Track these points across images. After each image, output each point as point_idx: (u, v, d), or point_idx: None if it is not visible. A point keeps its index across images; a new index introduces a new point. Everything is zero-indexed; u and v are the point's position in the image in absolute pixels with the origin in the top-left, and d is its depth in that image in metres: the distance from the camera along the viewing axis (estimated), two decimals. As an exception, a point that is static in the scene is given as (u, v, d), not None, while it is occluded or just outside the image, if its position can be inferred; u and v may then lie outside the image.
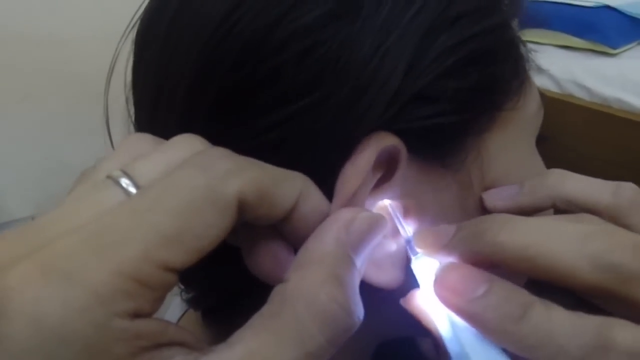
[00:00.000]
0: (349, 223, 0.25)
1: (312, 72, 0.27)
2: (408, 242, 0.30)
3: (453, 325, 0.26)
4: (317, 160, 0.28)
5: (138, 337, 0.19)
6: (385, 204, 0.30)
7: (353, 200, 0.28)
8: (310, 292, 0.22)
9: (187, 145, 0.25)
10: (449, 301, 0.26)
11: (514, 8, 0.34)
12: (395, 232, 0.30)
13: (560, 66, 1.54)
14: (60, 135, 1.58)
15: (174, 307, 0.48)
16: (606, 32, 1.50)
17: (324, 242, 0.24)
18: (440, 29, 0.29)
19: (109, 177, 0.23)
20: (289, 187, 0.25)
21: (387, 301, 0.30)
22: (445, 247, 0.28)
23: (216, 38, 0.28)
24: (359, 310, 0.23)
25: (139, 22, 0.34)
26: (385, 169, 0.30)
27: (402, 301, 0.29)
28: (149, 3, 0.34)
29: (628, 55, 1.51)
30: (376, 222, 0.27)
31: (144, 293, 0.20)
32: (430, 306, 0.27)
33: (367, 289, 0.26)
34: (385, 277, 0.30)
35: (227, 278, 0.33)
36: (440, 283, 0.27)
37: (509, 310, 0.24)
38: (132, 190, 0.23)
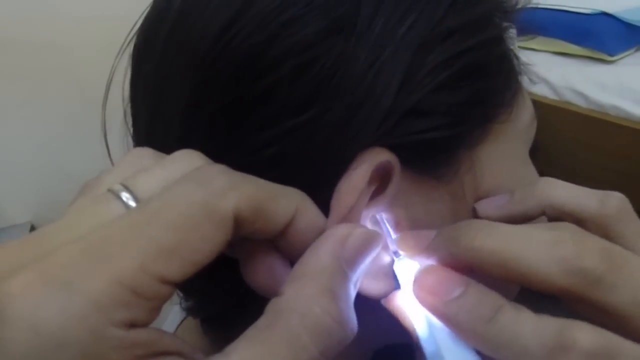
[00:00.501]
0: (345, 238, 0.26)
1: (308, 88, 0.28)
2: (394, 251, 0.30)
3: (430, 325, 0.27)
4: (313, 175, 0.29)
5: (133, 346, 0.20)
6: (376, 215, 0.31)
7: (349, 216, 0.28)
8: (304, 305, 0.23)
9: (186, 160, 0.26)
10: (426, 302, 0.27)
11: (506, 21, 0.34)
12: (387, 245, 0.31)
13: (557, 73, 1.54)
14: (60, 141, 1.58)
15: (174, 314, 0.48)
16: (603, 39, 1.51)
17: (319, 257, 0.25)
18: (433, 44, 0.29)
19: (109, 190, 0.24)
20: (285, 202, 0.26)
21: (382, 309, 0.31)
22: (425, 250, 0.29)
23: (212, 55, 0.29)
24: (353, 323, 0.24)
25: (136, 36, 0.34)
26: (379, 182, 0.30)
27: (383, 301, 0.29)
28: (145, 17, 0.34)
29: (625, 62, 1.51)
30: (372, 238, 0.27)
31: (140, 303, 0.20)
32: (409, 307, 0.28)
33: (363, 298, 0.27)
34: (379, 288, 0.30)
35: (226, 288, 0.34)
36: (418, 284, 0.27)
37: (480, 312, 0.25)
38: (132, 203, 0.24)
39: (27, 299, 0.19)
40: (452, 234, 0.28)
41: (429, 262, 0.29)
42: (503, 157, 0.35)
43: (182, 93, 0.30)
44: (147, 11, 0.34)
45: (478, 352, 0.26)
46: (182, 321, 0.46)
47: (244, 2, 0.28)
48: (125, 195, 0.24)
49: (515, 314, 0.25)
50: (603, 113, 1.43)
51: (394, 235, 0.31)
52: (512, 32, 0.35)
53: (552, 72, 1.56)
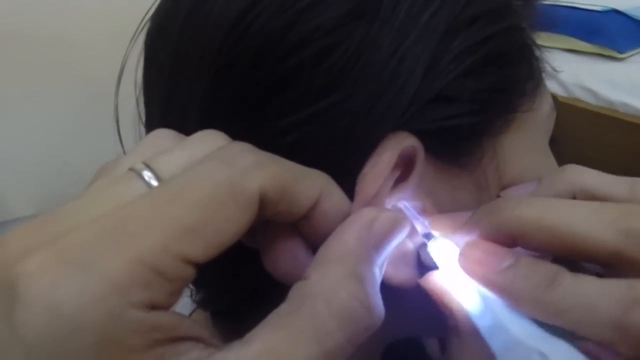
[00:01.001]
0: (371, 222, 0.25)
1: (330, 74, 0.27)
2: (425, 234, 0.29)
3: (482, 299, 0.26)
4: (336, 160, 0.28)
5: (153, 329, 0.19)
6: (401, 201, 0.30)
7: (374, 201, 0.28)
8: (330, 289, 0.22)
9: (209, 140, 0.25)
10: (476, 274, 0.26)
11: (527, 10, 0.34)
12: (411, 232, 0.30)
13: (567, 70, 1.54)
14: (64, 134, 1.58)
15: (182, 306, 0.48)
16: (613, 37, 1.50)
17: (345, 241, 0.24)
18: (457, 30, 0.29)
19: (131, 169, 0.23)
20: (311, 184, 0.25)
21: (398, 301, 0.30)
22: (463, 226, 0.28)
23: (231, 40, 0.28)
24: (380, 309, 0.23)
25: (149, 22, 0.34)
26: (402, 169, 0.30)
27: (420, 281, 0.28)
28: (159, 4, 0.34)
29: (635, 60, 1.51)
30: (398, 223, 0.26)
31: (161, 284, 0.20)
32: (452, 285, 0.27)
33: (380, 289, 0.26)
34: (401, 276, 0.30)
35: (240, 281, 0.33)
36: (466, 257, 0.27)
37: (537, 278, 0.24)
38: (154, 183, 0.23)
39: (44, 279, 0.18)
40: (492, 207, 0.27)
41: (469, 238, 0.28)
42: (525, 147, 0.35)
43: (200, 79, 0.29)
44: (154, 7, 0.34)
45: (536, 320, 0.25)
46: (191, 313, 0.45)
47: None
48: (147, 174, 0.23)
49: (575, 277, 0.24)
50: (612, 110, 1.42)
51: (424, 220, 0.30)
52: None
53: (561, 69, 1.55)
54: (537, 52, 0.35)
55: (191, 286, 0.37)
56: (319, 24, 0.27)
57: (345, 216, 0.26)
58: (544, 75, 0.36)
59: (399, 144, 0.28)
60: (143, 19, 0.35)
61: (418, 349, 0.49)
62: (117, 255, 0.19)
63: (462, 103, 0.29)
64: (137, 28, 0.35)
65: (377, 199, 0.28)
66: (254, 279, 0.28)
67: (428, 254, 0.29)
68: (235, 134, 0.26)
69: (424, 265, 0.30)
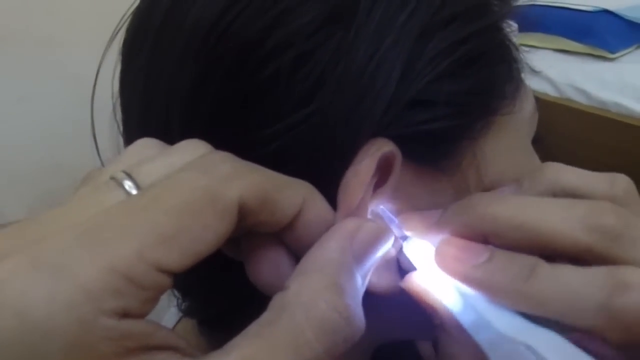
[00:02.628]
0: (354, 232, 0.25)
1: (308, 81, 0.27)
2: (401, 236, 0.29)
3: (462, 295, 0.26)
4: (318, 169, 0.28)
5: (124, 337, 0.19)
6: (378, 206, 0.30)
7: (357, 209, 0.27)
8: (310, 299, 0.22)
9: (191, 149, 0.25)
10: (454, 271, 0.26)
11: (505, 9, 0.34)
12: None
13: (558, 70, 1.54)
14: (56, 137, 1.57)
15: (170, 315, 0.48)
16: (604, 37, 1.50)
17: (327, 250, 0.24)
18: (433, 32, 0.29)
19: (112, 178, 0.23)
20: (293, 193, 0.25)
21: (383, 305, 0.30)
22: (436, 225, 0.28)
23: (206, 49, 0.28)
24: (360, 320, 0.23)
25: (125, 32, 0.33)
26: (381, 174, 0.29)
27: (401, 283, 0.28)
28: (133, 13, 0.33)
29: (626, 60, 1.51)
30: (382, 233, 0.26)
31: (134, 292, 0.19)
32: (432, 284, 0.27)
33: (365, 294, 0.26)
34: (384, 284, 0.29)
35: (225, 290, 0.33)
36: (441, 254, 0.27)
37: (516, 270, 0.25)
38: (134, 192, 0.23)
39: (15, 284, 0.18)
40: (465, 204, 0.27)
41: (442, 236, 0.28)
42: (507, 149, 0.34)
43: (178, 88, 0.29)
44: (134, 7, 0.33)
45: (520, 313, 0.25)
46: (178, 321, 0.45)
47: None
48: (127, 184, 0.23)
49: (554, 266, 0.24)
50: (604, 110, 1.42)
51: (397, 227, 0.30)
52: (513, 24, 0.35)
53: (553, 69, 1.55)
54: (516, 53, 0.35)
55: (177, 295, 0.37)
56: (295, 30, 0.27)
57: (328, 226, 0.26)
58: (523, 76, 0.36)
59: (378, 150, 0.28)
60: (118, 25, 0.34)
61: (410, 351, 0.49)
62: (90, 262, 0.19)
63: (439, 107, 0.29)
64: (113, 34, 0.35)
65: (360, 207, 0.28)
66: (240, 289, 0.27)
67: (405, 255, 0.29)
68: (217, 144, 0.26)
69: (402, 268, 0.30)
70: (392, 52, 0.27)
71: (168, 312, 0.48)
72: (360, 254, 0.25)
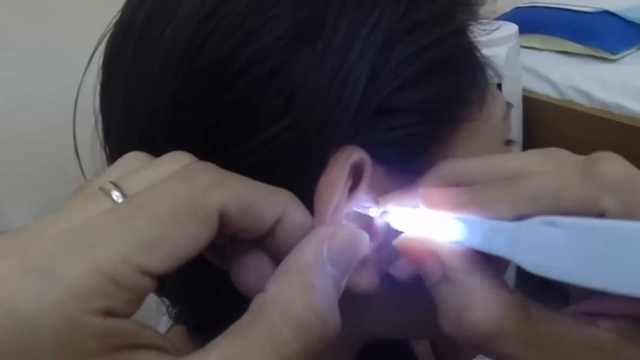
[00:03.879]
0: (330, 237, 0.26)
1: (281, 96, 0.28)
2: (381, 215, 0.31)
3: (460, 224, 0.27)
4: (295, 179, 0.29)
5: (110, 335, 0.20)
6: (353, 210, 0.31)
7: (334, 214, 0.28)
8: (287, 300, 0.23)
9: (175, 160, 0.26)
10: (444, 204, 0.28)
11: (469, 14, 0.34)
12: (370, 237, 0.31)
13: (560, 72, 1.54)
14: (60, 145, 1.57)
15: (163, 324, 0.48)
16: (606, 38, 1.51)
17: (304, 254, 0.26)
18: (396, 41, 0.29)
19: (100, 188, 0.24)
20: (273, 202, 0.26)
21: (364, 304, 0.31)
22: (412, 189, 0.30)
23: (182, 68, 0.28)
24: (335, 320, 0.24)
25: (105, 47, 0.34)
26: (354, 179, 0.30)
27: (394, 243, 0.30)
28: (111, 33, 0.34)
29: (628, 61, 1.51)
30: (358, 237, 0.28)
31: (119, 293, 0.21)
32: (425, 232, 0.29)
33: (346, 295, 0.27)
34: (363, 283, 0.30)
35: (214, 296, 0.33)
36: (427, 197, 0.29)
37: (500, 179, 0.27)
38: (121, 201, 0.24)
39: (6, 285, 0.20)
40: (434, 168, 0.30)
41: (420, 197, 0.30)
42: (478, 152, 0.35)
43: (157, 107, 0.30)
44: (112, 26, 0.34)
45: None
46: (170, 328, 0.46)
47: (207, 14, 0.28)
48: (115, 194, 0.24)
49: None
50: (607, 112, 1.42)
51: (376, 209, 0.31)
52: (476, 27, 0.35)
53: (554, 71, 1.55)
54: (481, 59, 0.35)
55: (166, 302, 0.38)
56: (263, 48, 0.28)
57: (307, 232, 0.27)
58: (490, 81, 0.36)
59: (347, 158, 0.28)
60: (99, 43, 0.35)
61: (403, 349, 0.49)
62: (77, 264, 0.20)
63: (403, 114, 0.29)
64: (94, 51, 0.35)
65: (336, 212, 0.29)
66: (227, 295, 0.28)
67: (392, 227, 0.30)
68: (200, 157, 0.27)
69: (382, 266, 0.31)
70: (358, 64, 0.28)
71: (160, 321, 0.48)
72: (337, 257, 0.26)
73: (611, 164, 0.25)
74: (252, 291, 0.25)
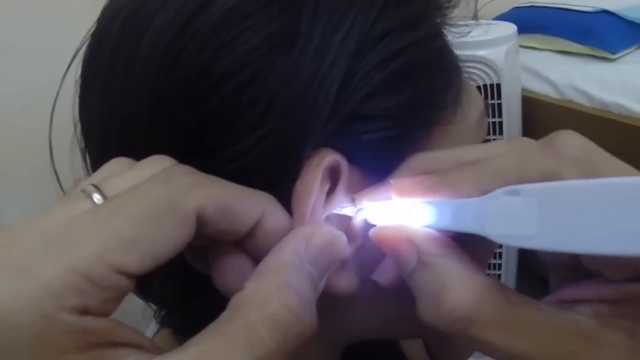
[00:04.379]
0: (308, 237, 0.27)
1: (259, 105, 0.28)
2: (357, 212, 0.31)
3: (428, 209, 0.28)
4: (276, 183, 0.29)
5: (85, 332, 0.21)
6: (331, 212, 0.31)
7: (312, 216, 0.29)
8: (263, 298, 0.24)
9: (156, 163, 0.26)
10: (413, 190, 0.28)
11: (443, 17, 0.34)
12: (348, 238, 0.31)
13: (559, 72, 1.54)
14: (60, 148, 1.57)
15: (152, 329, 0.48)
16: (605, 37, 1.51)
17: (281, 254, 0.26)
18: (368, 48, 0.29)
19: (82, 191, 0.25)
20: (252, 203, 0.27)
21: (344, 305, 0.32)
22: (384, 183, 0.30)
23: (159, 81, 0.28)
24: (311, 318, 0.25)
25: (83, 57, 0.34)
26: (332, 181, 0.30)
27: (370, 234, 0.30)
28: (88, 42, 0.34)
29: (627, 60, 1.51)
30: (336, 238, 0.28)
31: (95, 292, 0.21)
32: (398, 219, 0.29)
33: (326, 296, 0.28)
34: (342, 285, 0.31)
35: (200, 299, 0.33)
36: (398, 186, 0.29)
37: (468, 160, 0.27)
38: (101, 203, 0.24)
39: None
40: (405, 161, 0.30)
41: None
42: None
43: (133, 120, 0.30)
44: (89, 36, 0.34)
45: None
46: (157, 331, 0.46)
47: (181, 26, 0.28)
48: (96, 196, 0.24)
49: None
50: (606, 111, 1.42)
51: (353, 208, 0.31)
52: (451, 29, 0.35)
53: (554, 71, 1.55)
54: (455, 61, 0.35)
55: (153, 305, 0.39)
56: (238, 58, 0.28)
57: (286, 233, 0.28)
58: (465, 83, 0.36)
59: (321, 160, 0.29)
60: (75, 55, 0.35)
61: (390, 350, 0.49)
62: (53, 263, 0.21)
63: (374, 120, 0.30)
64: (71, 60, 0.35)
65: (314, 213, 0.29)
66: (212, 297, 0.28)
67: (369, 222, 0.31)
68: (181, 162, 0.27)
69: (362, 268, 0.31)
70: (331, 70, 0.28)
71: (149, 326, 0.48)
72: (315, 257, 0.27)
73: (570, 138, 0.25)
74: (233, 292, 0.26)
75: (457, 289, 0.25)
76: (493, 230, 0.25)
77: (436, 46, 0.33)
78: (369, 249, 0.30)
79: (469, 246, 0.27)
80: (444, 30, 0.34)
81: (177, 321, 0.39)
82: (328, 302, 0.28)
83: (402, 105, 0.30)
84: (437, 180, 0.28)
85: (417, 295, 0.27)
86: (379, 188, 0.30)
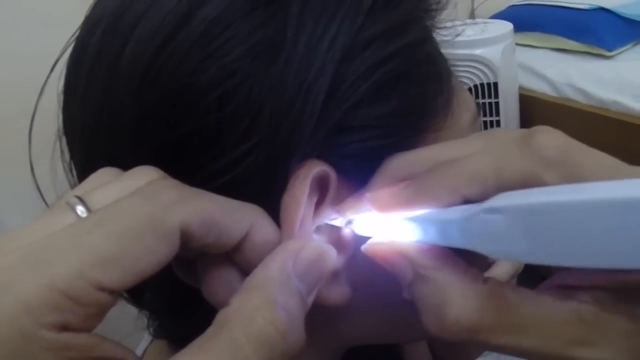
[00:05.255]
0: (296, 252, 0.26)
1: (246, 117, 0.27)
2: (347, 224, 0.31)
3: (414, 223, 0.27)
4: (265, 195, 0.29)
5: (65, 348, 0.21)
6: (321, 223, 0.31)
7: (301, 228, 0.28)
8: (248, 315, 0.23)
9: (142, 175, 0.26)
10: (391, 204, 0.28)
11: (431, 20, 0.33)
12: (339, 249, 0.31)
13: (556, 69, 1.54)
14: (59, 152, 1.57)
15: (146, 340, 0.48)
16: (601, 35, 1.51)
17: (268, 270, 0.26)
18: (354, 56, 0.29)
19: (66, 202, 0.25)
20: (239, 217, 0.26)
21: (341, 311, 0.31)
22: (365, 192, 0.29)
23: (140, 99, 0.28)
24: (298, 337, 0.24)
25: (66, 68, 0.33)
26: (320, 192, 0.30)
27: (362, 249, 0.29)
28: (71, 50, 0.33)
29: (624, 57, 1.51)
30: (325, 253, 0.28)
31: (75, 308, 0.21)
32: (388, 233, 0.29)
33: (319, 306, 0.28)
34: (335, 296, 0.30)
35: (192, 310, 0.33)
36: (375, 200, 0.28)
37: (441, 163, 0.27)
38: (85, 215, 0.24)
39: None
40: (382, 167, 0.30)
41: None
42: None
43: (116, 137, 0.30)
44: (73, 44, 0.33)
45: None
46: (150, 342, 0.46)
47: (162, 42, 0.27)
48: (79, 208, 0.24)
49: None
50: (603, 108, 1.42)
51: (341, 219, 0.30)
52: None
53: (551, 69, 1.55)
54: (445, 65, 0.34)
55: (147, 316, 0.38)
56: (220, 71, 0.27)
57: (275, 247, 0.27)
58: (456, 86, 0.35)
59: (308, 172, 0.28)
60: (56, 63, 0.35)
61: (394, 354, 0.49)
62: (32, 279, 0.21)
63: (362, 130, 0.29)
64: (52, 69, 0.35)
65: (303, 226, 0.28)
66: (205, 309, 0.28)
67: (359, 235, 0.30)
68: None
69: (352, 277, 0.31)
70: (318, 80, 0.28)
71: (143, 337, 0.48)
72: (304, 272, 0.26)
73: (548, 137, 0.24)
74: (222, 304, 0.26)
75: (458, 301, 0.25)
76: (482, 247, 0.24)
77: (425, 51, 0.32)
78: (361, 258, 0.30)
79: (466, 252, 0.27)
80: (434, 33, 0.34)
81: (171, 332, 0.38)
82: (322, 312, 0.27)
83: (391, 113, 0.30)
84: (413, 190, 0.27)
85: (420, 307, 0.27)
86: (360, 199, 0.29)
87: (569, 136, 0.25)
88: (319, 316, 0.26)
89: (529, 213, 0.22)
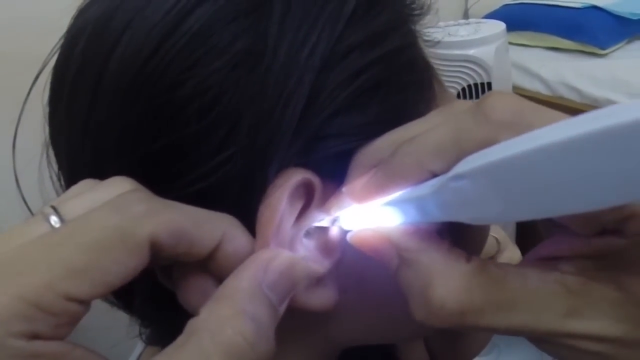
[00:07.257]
0: (268, 262, 0.27)
1: (224, 126, 0.28)
2: (332, 221, 0.31)
3: (393, 207, 0.27)
4: (243, 204, 0.29)
5: (34, 356, 0.22)
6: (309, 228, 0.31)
7: (278, 237, 0.28)
8: (217, 325, 0.24)
9: (115, 186, 0.27)
10: (367, 192, 0.27)
11: (413, 24, 0.33)
12: (319, 256, 0.31)
13: (550, 68, 1.55)
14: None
15: (139, 348, 0.48)
16: (594, 33, 1.51)
17: (238, 280, 0.26)
18: (333, 64, 0.29)
19: (41, 212, 0.25)
20: (211, 228, 0.27)
21: (331, 314, 0.31)
22: (342, 190, 0.29)
23: (123, 117, 0.28)
24: (267, 347, 0.25)
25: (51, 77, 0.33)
26: (306, 198, 0.30)
27: (348, 239, 0.29)
28: (56, 59, 0.33)
29: (617, 55, 1.52)
30: (296, 263, 0.28)
31: (44, 318, 0.22)
32: (372, 221, 0.28)
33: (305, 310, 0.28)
34: (319, 301, 0.30)
35: (179, 317, 0.33)
36: (351, 191, 0.28)
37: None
38: (58, 225, 0.25)
39: None
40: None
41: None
42: None
43: (100, 148, 0.30)
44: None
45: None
46: (144, 349, 0.46)
47: (147, 55, 0.27)
48: (53, 218, 0.25)
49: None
50: (597, 107, 1.42)
51: (327, 219, 0.30)
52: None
53: (544, 68, 1.56)
54: (428, 69, 0.34)
55: (138, 323, 0.39)
56: (201, 82, 0.27)
57: (249, 256, 0.27)
58: (439, 90, 0.35)
59: (290, 179, 0.28)
60: (42, 70, 0.35)
61: (382, 354, 0.49)
62: (1, 290, 0.22)
63: (343, 137, 0.29)
64: (36, 77, 0.36)
65: (279, 235, 0.29)
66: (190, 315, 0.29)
67: (345, 231, 0.30)
68: (147, 186, 0.28)
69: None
70: (297, 89, 0.28)
71: (137, 345, 0.48)
72: (274, 282, 0.26)
73: (499, 100, 0.24)
74: (197, 311, 0.26)
75: (442, 282, 0.25)
76: (462, 216, 0.24)
77: (406, 57, 0.32)
78: (351, 260, 0.30)
79: (456, 230, 0.27)
80: (419, 37, 0.33)
81: (163, 338, 0.38)
82: (315, 315, 0.28)
83: (370, 122, 0.30)
84: (382, 175, 0.27)
85: (407, 294, 0.27)
86: (341, 195, 0.30)
87: (520, 98, 0.24)
88: (310, 319, 0.26)
89: (492, 171, 0.21)
